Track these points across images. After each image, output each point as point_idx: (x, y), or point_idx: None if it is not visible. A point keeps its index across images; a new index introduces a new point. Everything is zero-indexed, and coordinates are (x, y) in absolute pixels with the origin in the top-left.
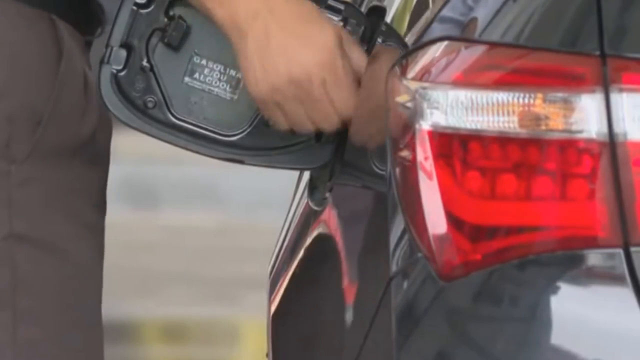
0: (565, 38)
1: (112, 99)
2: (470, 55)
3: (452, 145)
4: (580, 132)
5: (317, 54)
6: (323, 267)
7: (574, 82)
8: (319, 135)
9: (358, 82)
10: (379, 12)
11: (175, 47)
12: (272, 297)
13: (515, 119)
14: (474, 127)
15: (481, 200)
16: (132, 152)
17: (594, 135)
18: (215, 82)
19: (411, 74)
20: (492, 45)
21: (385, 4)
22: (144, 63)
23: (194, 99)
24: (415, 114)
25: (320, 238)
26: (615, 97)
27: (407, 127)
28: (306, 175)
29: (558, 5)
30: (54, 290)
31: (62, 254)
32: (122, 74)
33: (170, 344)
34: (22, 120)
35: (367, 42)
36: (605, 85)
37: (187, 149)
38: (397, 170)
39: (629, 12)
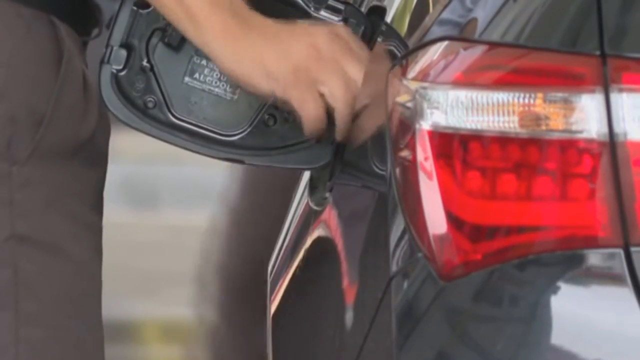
0: (565, 38)
1: (112, 99)
2: (470, 55)
3: (452, 145)
4: (581, 132)
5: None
6: (323, 267)
7: (574, 82)
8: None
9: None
10: (379, 12)
11: (175, 47)
12: (272, 297)
13: (516, 119)
14: (474, 127)
15: (481, 200)
16: (132, 152)
17: (594, 135)
18: (215, 82)
19: (411, 74)
20: (492, 45)
21: (385, 4)
22: (144, 63)
23: (194, 99)
24: (415, 114)
25: (320, 238)
26: (615, 97)
27: (407, 127)
28: (306, 175)
29: (558, 5)
30: (56, 291)
31: (63, 255)
32: (122, 74)
33: (170, 344)
34: (24, 121)
35: (367, 42)
36: (605, 85)
37: (187, 149)
38: (397, 170)
39: (629, 12)
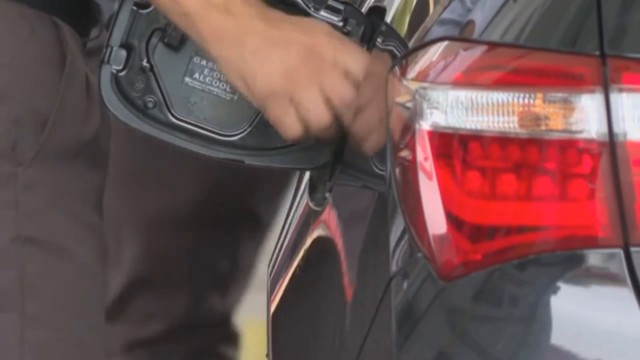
0: (565, 38)
1: (112, 99)
2: (470, 55)
3: (452, 145)
4: (580, 132)
5: (313, 31)
6: (323, 267)
7: (574, 82)
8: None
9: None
10: (379, 12)
11: (175, 47)
12: (272, 297)
13: (515, 119)
14: (474, 127)
15: (481, 200)
16: None
17: (594, 135)
18: (215, 82)
19: (411, 74)
20: (492, 45)
21: (385, 4)
22: (144, 63)
23: (194, 99)
24: (415, 114)
25: (320, 238)
26: (615, 97)
27: (407, 127)
28: (306, 175)
29: (558, 5)
30: (61, 292)
31: (67, 256)
32: (122, 74)
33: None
34: (28, 123)
35: (367, 42)
36: (605, 85)
37: (187, 149)
38: (397, 170)
39: (629, 12)
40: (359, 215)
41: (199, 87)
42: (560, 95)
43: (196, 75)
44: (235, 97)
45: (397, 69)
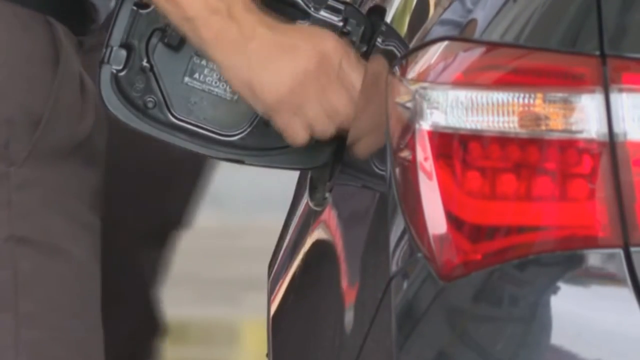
0: (565, 38)
1: (112, 99)
2: (470, 55)
3: (452, 145)
4: (580, 132)
5: (320, 40)
6: (323, 267)
7: (574, 82)
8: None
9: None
10: (379, 12)
11: (175, 47)
12: (272, 297)
13: (515, 119)
14: (474, 127)
15: (481, 200)
16: None
17: (594, 135)
18: (215, 82)
19: (411, 74)
20: (492, 45)
21: (385, 4)
22: (144, 63)
23: (194, 99)
24: (415, 114)
25: (320, 238)
26: (615, 97)
27: (407, 127)
28: (306, 175)
29: (558, 5)
30: (56, 292)
31: (62, 255)
32: (122, 74)
33: (170, 344)
34: (21, 122)
35: (367, 42)
36: (605, 85)
37: (187, 149)
38: (397, 170)
39: (629, 12)
40: (359, 215)
41: (199, 87)
42: (560, 95)
43: (196, 75)
44: (236, 97)
45: (397, 69)
